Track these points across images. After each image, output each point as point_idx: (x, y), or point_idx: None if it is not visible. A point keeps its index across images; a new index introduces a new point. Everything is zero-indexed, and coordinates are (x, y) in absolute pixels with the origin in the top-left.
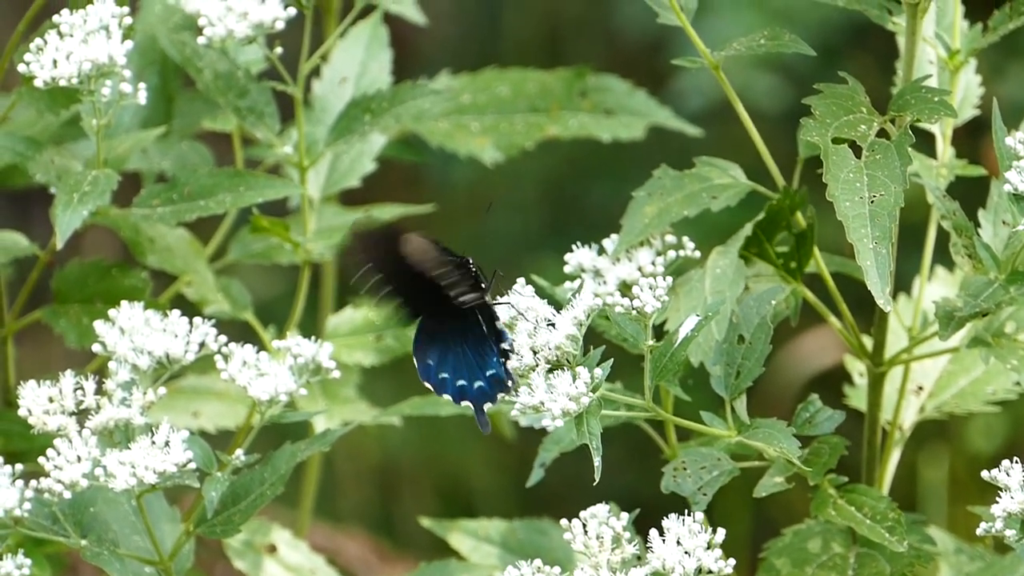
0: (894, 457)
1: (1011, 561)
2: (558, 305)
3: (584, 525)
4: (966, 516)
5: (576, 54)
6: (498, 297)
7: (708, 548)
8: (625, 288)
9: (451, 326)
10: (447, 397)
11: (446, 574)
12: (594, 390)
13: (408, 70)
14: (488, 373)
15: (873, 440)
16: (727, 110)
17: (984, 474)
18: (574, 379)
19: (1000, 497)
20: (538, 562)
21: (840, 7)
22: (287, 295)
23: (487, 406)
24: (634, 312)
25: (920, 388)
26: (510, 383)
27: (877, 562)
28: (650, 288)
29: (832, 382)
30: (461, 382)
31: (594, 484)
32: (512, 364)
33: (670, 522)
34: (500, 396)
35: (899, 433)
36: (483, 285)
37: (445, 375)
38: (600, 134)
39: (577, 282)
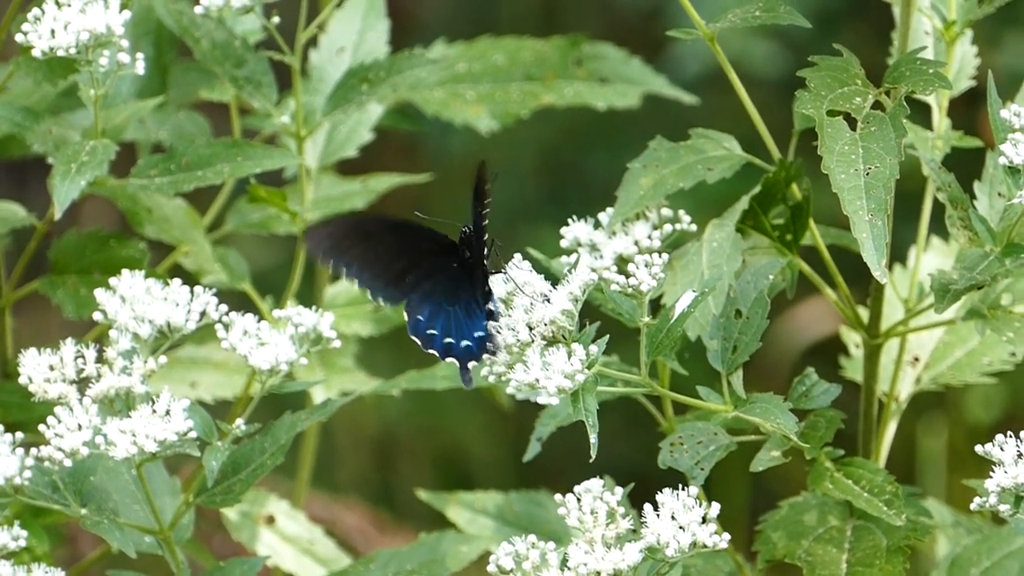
0: (891, 428)
1: (1007, 533)
2: (555, 279)
3: (578, 500)
4: (965, 487)
5: (573, 22)
6: (496, 268)
7: (703, 522)
8: (622, 262)
9: (444, 286)
10: (433, 352)
11: (443, 546)
12: (590, 367)
13: (405, 39)
14: (476, 334)
15: (869, 412)
16: (725, 76)
17: (978, 448)
18: (569, 356)
19: (994, 471)
20: (533, 537)
21: None
22: (284, 265)
23: (471, 364)
24: (630, 290)
25: (916, 359)
26: (491, 346)
27: (874, 535)
28: (646, 265)
29: (828, 352)
30: (448, 339)
31: (590, 461)
32: (508, 339)
33: (665, 496)
34: (484, 356)
35: (895, 405)
36: (484, 251)
37: (433, 331)
38: (595, 102)
39: (573, 256)
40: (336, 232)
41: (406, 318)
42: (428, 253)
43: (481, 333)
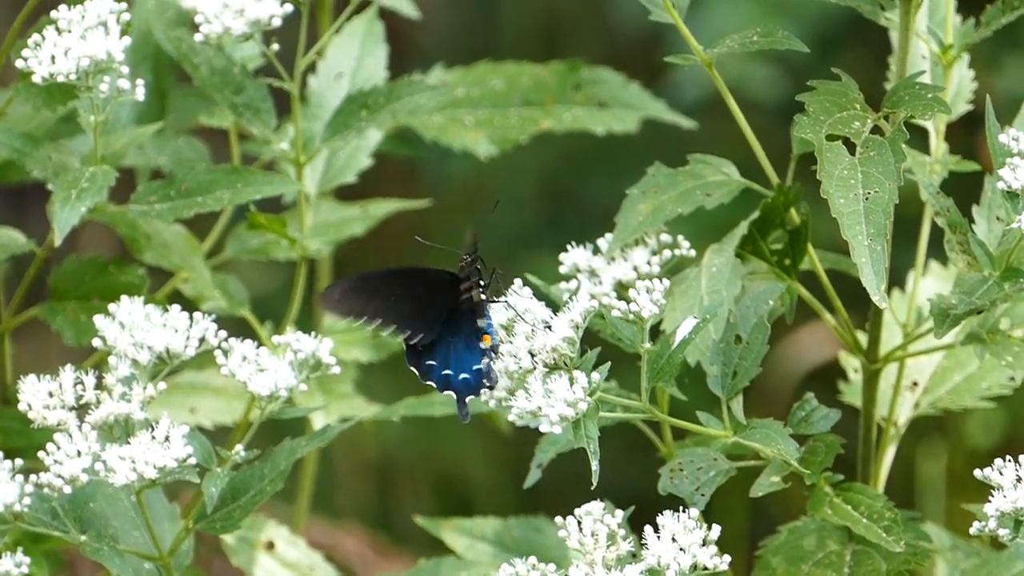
0: (889, 453)
1: (1007, 557)
2: (554, 305)
3: (579, 522)
4: (965, 511)
5: (572, 47)
6: (496, 295)
7: (703, 545)
8: (621, 288)
9: (445, 318)
10: (431, 384)
11: (441, 572)
12: (591, 394)
13: (403, 64)
14: (474, 367)
15: (868, 436)
16: (724, 101)
17: (977, 473)
18: (571, 383)
19: (993, 496)
20: (533, 559)
21: (834, 1)
22: (283, 291)
23: (468, 397)
24: (631, 316)
25: (915, 384)
26: (488, 383)
27: (873, 560)
28: (647, 291)
29: (827, 377)
30: (447, 372)
31: (592, 487)
32: (509, 366)
33: (665, 519)
34: (482, 390)
35: (894, 429)
36: (481, 282)
37: (432, 363)
38: (594, 127)
39: (573, 283)
40: (345, 291)
41: (404, 348)
42: (430, 291)
43: (479, 366)
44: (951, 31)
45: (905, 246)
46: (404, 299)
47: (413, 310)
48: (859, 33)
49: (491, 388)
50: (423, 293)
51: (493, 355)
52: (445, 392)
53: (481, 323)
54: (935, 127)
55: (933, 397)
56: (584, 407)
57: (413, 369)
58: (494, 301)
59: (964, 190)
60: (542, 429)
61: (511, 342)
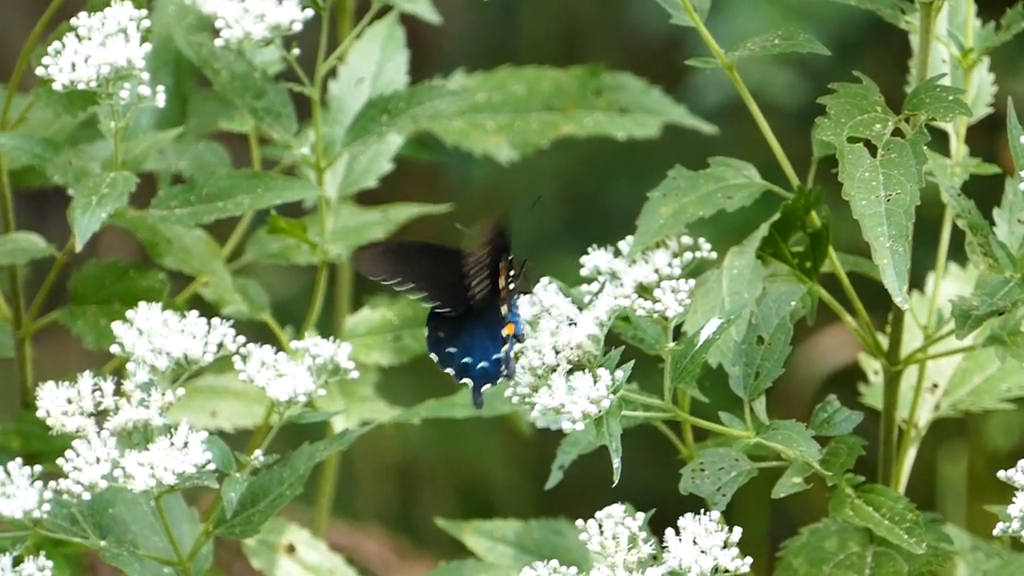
0: (910, 455)
1: None
2: (576, 307)
3: (600, 525)
4: (985, 513)
5: (593, 51)
6: (525, 290)
7: (724, 547)
8: (642, 291)
9: (469, 304)
10: (449, 371)
11: (465, 574)
12: (615, 392)
13: (424, 67)
14: (494, 356)
15: (889, 438)
16: (745, 106)
17: (1000, 474)
18: (595, 381)
19: (1016, 497)
20: (555, 562)
21: (854, 5)
22: (304, 295)
23: (485, 387)
24: (656, 315)
25: (935, 386)
26: (505, 372)
27: (894, 561)
28: (672, 291)
29: (848, 380)
30: (466, 360)
31: (613, 485)
32: (533, 362)
33: (686, 521)
34: (499, 380)
35: (915, 431)
36: (511, 273)
37: (452, 350)
38: (615, 132)
39: (595, 285)
40: (380, 254)
41: (426, 334)
42: (460, 274)
43: (499, 356)
44: (971, 34)
45: (925, 249)
46: (436, 273)
47: (443, 284)
48: (879, 37)
49: (508, 377)
50: (454, 276)
51: (516, 343)
52: (462, 380)
53: (506, 312)
54: (955, 130)
55: (953, 399)
56: (607, 404)
57: (432, 356)
58: (523, 293)
59: (985, 193)
60: (563, 427)
61: (535, 337)
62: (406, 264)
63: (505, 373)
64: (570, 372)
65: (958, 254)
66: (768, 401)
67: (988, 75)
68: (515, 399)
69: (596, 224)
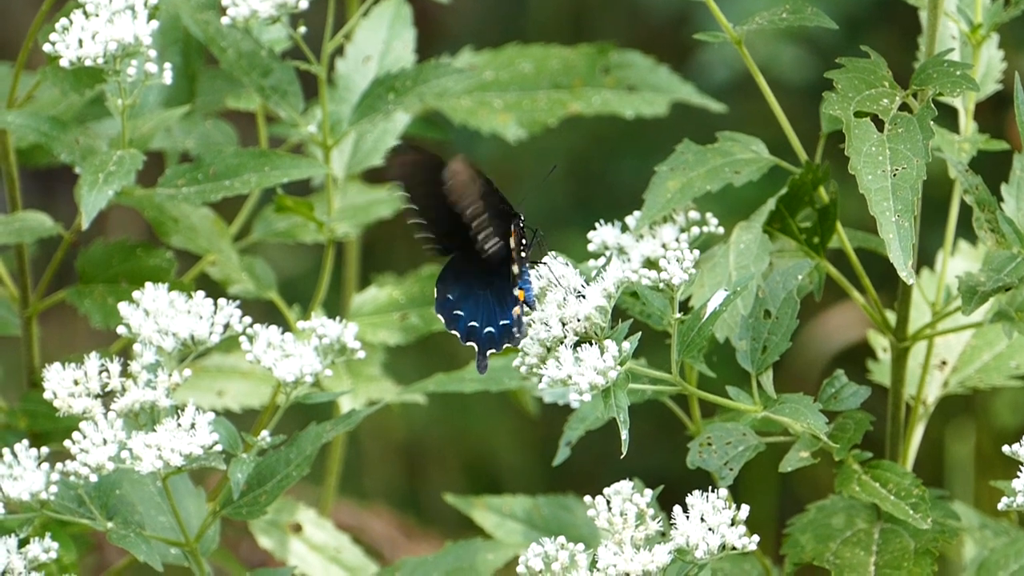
0: (918, 432)
1: None
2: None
3: (608, 502)
4: (993, 491)
5: (600, 29)
6: (537, 259)
7: (732, 524)
8: (650, 265)
9: (480, 268)
10: (455, 332)
11: (472, 553)
12: (622, 363)
13: (431, 47)
14: (501, 322)
15: (897, 415)
16: (754, 82)
17: (1005, 448)
18: (602, 352)
19: (1021, 471)
20: (562, 539)
21: None
22: (311, 273)
23: (490, 351)
24: (662, 284)
25: (944, 363)
26: (518, 335)
27: (901, 537)
28: (677, 260)
29: (856, 358)
30: (473, 323)
31: (620, 458)
32: (540, 334)
33: (694, 499)
34: (504, 346)
35: (923, 408)
36: (523, 241)
37: (460, 312)
38: (623, 110)
39: (602, 260)
40: (414, 164)
41: (435, 294)
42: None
43: (507, 321)
44: (980, 10)
45: (934, 226)
46: (446, 210)
47: (455, 227)
48: (887, 14)
49: (518, 341)
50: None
51: (526, 309)
52: (467, 343)
53: (517, 272)
54: (964, 106)
55: (962, 376)
56: (614, 376)
57: (440, 316)
58: (533, 263)
59: (993, 169)
60: (571, 400)
61: (543, 309)
62: (430, 186)
63: (517, 335)
64: (577, 344)
65: (968, 232)
66: (775, 380)
67: (997, 52)
68: (523, 369)
69: (603, 201)
